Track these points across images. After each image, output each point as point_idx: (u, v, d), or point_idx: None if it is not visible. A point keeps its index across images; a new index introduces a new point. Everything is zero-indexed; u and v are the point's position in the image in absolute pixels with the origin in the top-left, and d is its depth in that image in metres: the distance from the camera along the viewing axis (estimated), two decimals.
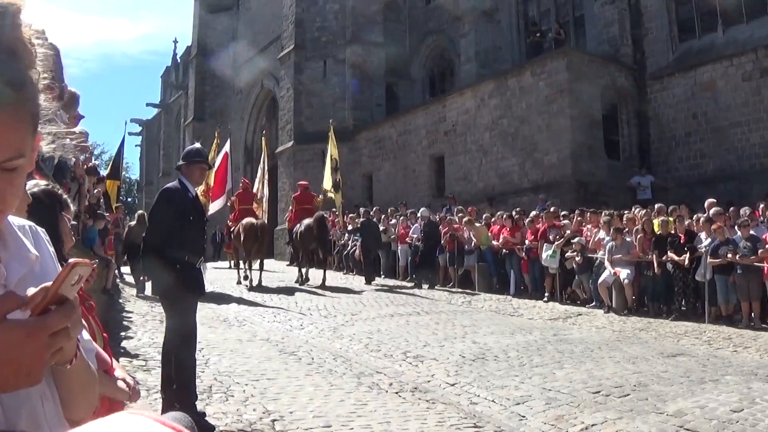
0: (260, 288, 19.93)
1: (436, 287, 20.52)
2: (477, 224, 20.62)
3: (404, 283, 21.83)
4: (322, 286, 20.18)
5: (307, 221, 21.20)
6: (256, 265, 20.95)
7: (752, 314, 13.91)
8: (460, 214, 22.05)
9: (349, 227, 25.37)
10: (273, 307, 16.18)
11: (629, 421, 7.29)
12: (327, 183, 24.05)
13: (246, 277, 21.03)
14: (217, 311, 15.50)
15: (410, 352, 10.96)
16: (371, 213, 24.66)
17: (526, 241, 18.94)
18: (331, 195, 23.85)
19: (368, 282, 21.69)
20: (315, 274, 21.72)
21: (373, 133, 36.46)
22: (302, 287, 20.43)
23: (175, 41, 71.61)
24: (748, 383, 8.88)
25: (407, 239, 22.80)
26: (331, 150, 24.22)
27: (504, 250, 19.64)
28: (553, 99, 25.90)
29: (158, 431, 1.09)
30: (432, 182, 32.19)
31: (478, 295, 18.96)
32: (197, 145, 8.68)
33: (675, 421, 7.24)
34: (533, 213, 20.23)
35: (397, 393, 8.56)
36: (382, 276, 24.01)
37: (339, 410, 7.63)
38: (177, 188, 7.52)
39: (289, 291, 19.30)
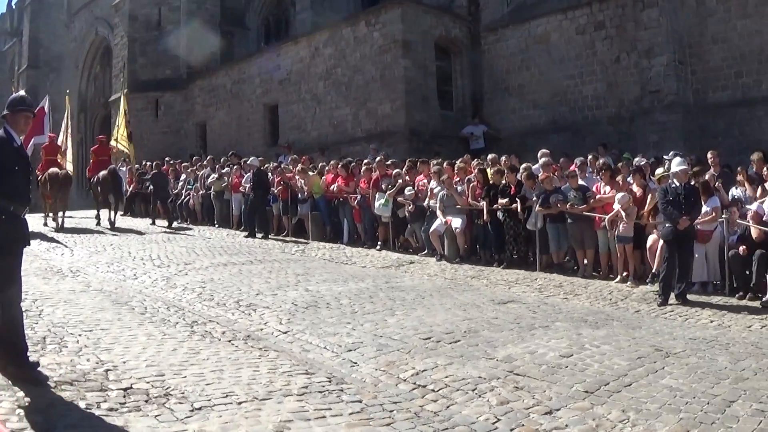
0: (63, 230, 20.76)
1: (269, 236, 20.23)
2: (310, 173, 20.40)
3: (238, 232, 21.46)
4: (113, 227, 21.57)
5: (103, 172, 22.56)
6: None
7: (585, 261, 14.19)
8: (294, 164, 21.82)
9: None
10: (106, 258, 15.62)
11: (459, 366, 7.30)
12: (120, 136, 25.95)
13: (52, 223, 21.99)
14: (51, 262, 14.88)
15: (243, 301, 10.91)
16: (161, 165, 26.43)
17: (358, 191, 18.82)
18: (123, 146, 25.86)
19: (169, 225, 23.08)
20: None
21: (207, 81, 36.07)
22: (136, 234, 20.44)
23: None
24: (577, 329, 9.07)
25: (240, 188, 22.34)
26: (123, 104, 25.95)
27: (337, 199, 19.48)
28: (387, 49, 25.92)
29: None
30: (266, 131, 32.02)
31: (312, 244, 18.83)
32: (21, 92, 8.35)
33: (505, 366, 7.29)
34: (366, 161, 20.13)
35: (229, 341, 8.51)
36: (179, 221, 24.56)
37: (172, 359, 7.55)
38: (2, 137, 7.15)
39: (122, 241, 18.70)
